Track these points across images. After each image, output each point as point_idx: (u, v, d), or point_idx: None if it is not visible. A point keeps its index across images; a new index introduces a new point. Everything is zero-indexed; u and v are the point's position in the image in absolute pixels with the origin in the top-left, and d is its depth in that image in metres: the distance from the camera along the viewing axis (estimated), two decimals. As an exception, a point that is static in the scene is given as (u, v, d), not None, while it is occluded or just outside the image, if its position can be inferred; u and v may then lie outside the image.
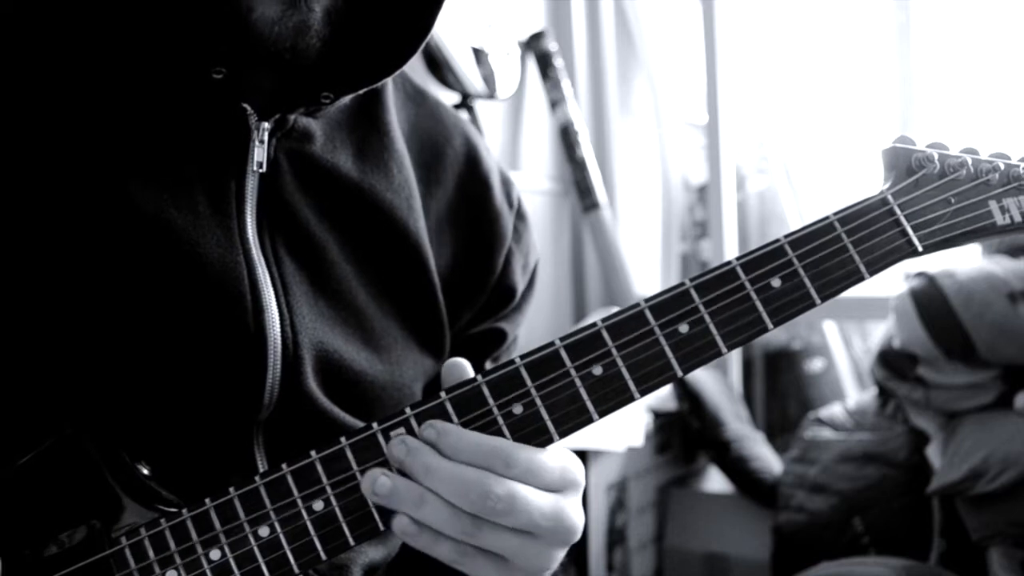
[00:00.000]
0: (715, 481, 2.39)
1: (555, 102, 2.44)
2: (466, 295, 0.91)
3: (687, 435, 2.38)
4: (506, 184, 0.96)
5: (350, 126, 0.84)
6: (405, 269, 0.86)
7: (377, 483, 0.66)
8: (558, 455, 0.70)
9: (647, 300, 0.71)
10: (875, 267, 0.72)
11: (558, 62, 2.44)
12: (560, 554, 0.71)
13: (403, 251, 0.85)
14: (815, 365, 2.68)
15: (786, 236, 0.72)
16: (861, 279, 0.72)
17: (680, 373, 0.70)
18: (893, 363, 2.01)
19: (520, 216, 0.96)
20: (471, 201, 0.92)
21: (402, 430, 0.68)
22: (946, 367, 1.93)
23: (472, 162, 0.94)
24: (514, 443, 0.68)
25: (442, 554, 0.67)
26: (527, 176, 2.43)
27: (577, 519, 0.70)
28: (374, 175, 0.84)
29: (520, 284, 0.96)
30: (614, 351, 0.70)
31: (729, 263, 0.71)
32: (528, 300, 0.99)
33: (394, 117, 0.88)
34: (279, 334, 0.76)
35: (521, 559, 0.68)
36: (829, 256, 0.72)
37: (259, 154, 0.77)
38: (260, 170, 0.77)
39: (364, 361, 0.82)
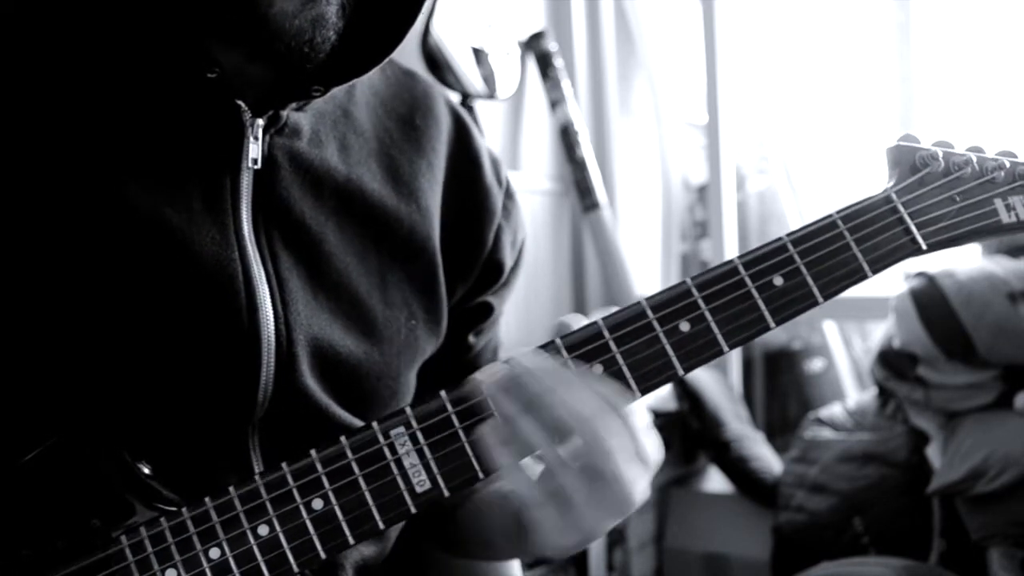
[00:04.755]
0: (715, 481, 2.39)
1: (555, 102, 2.44)
2: (459, 270, 0.92)
3: (687, 435, 2.38)
4: (495, 163, 0.97)
5: (332, 121, 0.84)
6: (402, 257, 0.86)
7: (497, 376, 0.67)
8: (652, 433, 0.70)
9: (648, 298, 0.71)
10: (878, 265, 0.72)
11: (558, 62, 2.44)
12: (610, 525, 0.71)
13: (398, 240, 0.86)
14: (815, 365, 2.68)
15: (788, 234, 0.72)
16: (864, 278, 0.72)
17: (681, 372, 0.70)
18: (893, 363, 2.01)
19: (509, 195, 0.97)
20: (462, 177, 0.93)
21: (401, 428, 0.68)
22: (946, 367, 1.92)
23: (462, 140, 0.95)
24: (630, 397, 0.69)
25: (519, 483, 0.67)
26: (527, 176, 2.42)
27: (643, 496, 0.70)
28: (359, 167, 0.85)
29: (508, 260, 0.97)
30: (615, 350, 0.70)
31: (731, 261, 0.71)
32: (515, 276, 1.00)
33: (365, 112, 0.88)
34: (273, 331, 0.76)
35: (584, 515, 0.68)
36: (832, 254, 0.71)
37: (254, 150, 0.77)
38: (255, 166, 0.77)
39: (362, 353, 0.82)
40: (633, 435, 0.68)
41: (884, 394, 2.10)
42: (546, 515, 0.68)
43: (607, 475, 0.66)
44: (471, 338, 0.97)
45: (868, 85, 2.60)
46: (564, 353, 0.69)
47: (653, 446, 0.70)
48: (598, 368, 0.69)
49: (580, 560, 2.07)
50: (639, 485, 0.68)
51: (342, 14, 0.74)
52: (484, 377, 0.70)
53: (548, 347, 0.70)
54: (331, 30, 0.74)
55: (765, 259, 0.71)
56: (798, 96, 2.72)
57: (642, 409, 0.69)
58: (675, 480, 2.39)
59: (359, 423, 0.81)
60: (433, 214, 0.89)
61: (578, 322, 0.72)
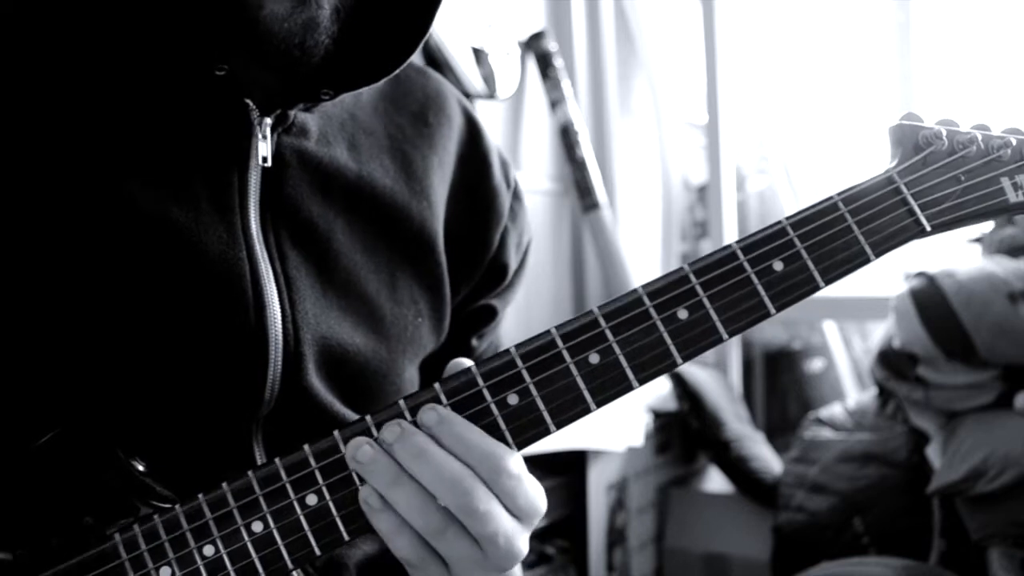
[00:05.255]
0: (715, 481, 2.38)
1: (555, 102, 2.44)
2: (464, 270, 0.92)
3: (687, 435, 2.38)
4: (504, 164, 0.97)
5: (340, 123, 0.84)
6: (412, 254, 0.86)
7: (360, 450, 0.66)
8: (534, 484, 0.69)
9: (645, 286, 0.69)
10: (881, 248, 0.70)
11: (558, 62, 2.44)
12: None
13: (408, 236, 0.86)
14: (815, 365, 2.68)
15: (788, 218, 0.70)
16: (867, 261, 0.70)
17: (680, 361, 0.68)
18: (893, 363, 2.00)
19: (517, 197, 0.97)
20: (470, 177, 0.93)
21: (396, 421, 0.68)
22: (946, 367, 1.92)
23: (473, 140, 0.95)
24: (507, 451, 0.67)
25: (400, 547, 0.66)
26: (527, 176, 2.42)
27: (523, 551, 0.69)
28: (371, 164, 0.85)
29: (513, 263, 0.96)
30: (611, 338, 0.68)
31: (729, 247, 0.70)
32: (519, 279, 0.99)
33: (373, 114, 0.88)
34: (280, 330, 0.76)
35: (464, 572, 0.68)
36: (833, 237, 0.69)
37: (263, 149, 0.77)
38: (264, 164, 0.77)
39: (370, 351, 0.82)
40: (506, 492, 0.67)
41: (884, 394, 2.10)
42: (430, 572, 0.68)
43: (481, 537, 0.66)
44: (474, 341, 0.96)
45: (868, 85, 2.60)
46: (559, 342, 0.68)
47: (531, 497, 0.68)
48: (595, 358, 0.68)
49: (580, 560, 2.07)
50: (517, 541, 0.68)
51: (336, 18, 0.74)
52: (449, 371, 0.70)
53: (543, 336, 0.69)
54: (323, 34, 0.73)
55: (764, 243, 0.70)
56: (798, 96, 2.72)
57: (517, 458, 0.68)
58: (675, 480, 2.39)
59: None
60: (440, 211, 0.89)
61: (464, 366, 0.70)
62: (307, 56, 0.74)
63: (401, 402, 0.68)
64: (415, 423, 0.67)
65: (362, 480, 0.67)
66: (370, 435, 0.67)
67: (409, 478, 0.66)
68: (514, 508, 0.67)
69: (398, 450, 0.66)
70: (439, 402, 0.68)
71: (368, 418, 0.68)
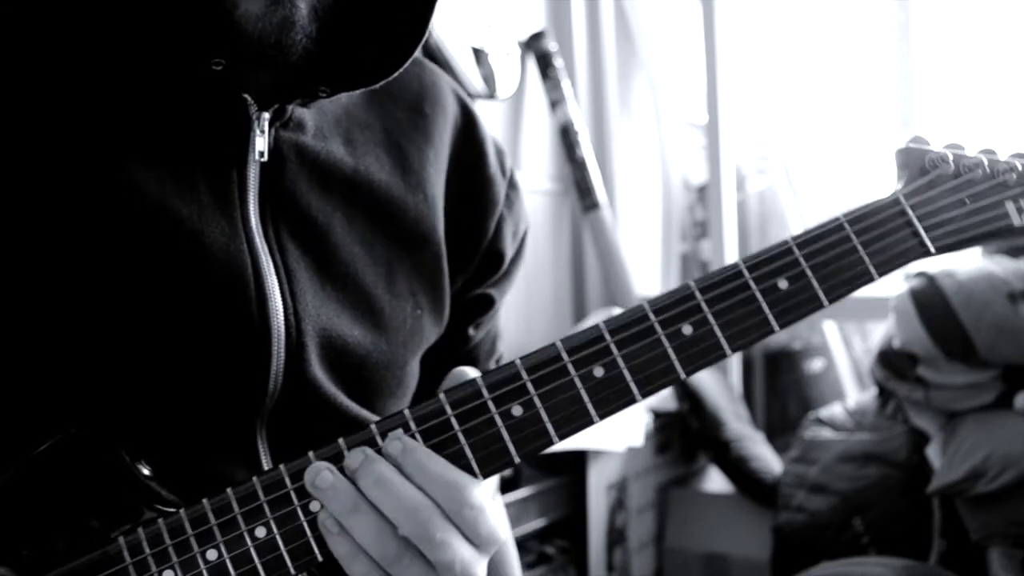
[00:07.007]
0: (715, 481, 2.39)
1: (555, 102, 2.44)
2: (460, 259, 0.92)
3: (687, 435, 2.38)
4: (499, 153, 0.97)
5: (335, 118, 0.85)
6: (409, 247, 0.87)
7: (320, 476, 0.66)
8: (496, 512, 0.70)
9: (650, 301, 0.70)
10: (885, 268, 0.71)
11: (558, 62, 2.44)
12: None
13: (405, 229, 0.86)
14: (815, 365, 2.68)
15: (794, 238, 0.71)
16: (870, 280, 0.71)
17: (683, 375, 0.69)
18: (893, 363, 2.01)
19: (512, 185, 0.97)
20: (465, 167, 0.93)
21: (400, 431, 0.68)
22: (946, 367, 1.92)
23: (468, 129, 0.95)
24: (470, 481, 0.67)
25: (356, 572, 0.67)
26: (527, 176, 2.42)
27: None
28: (367, 158, 0.85)
29: (509, 251, 0.97)
30: (616, 352, 0.69)
31: (735, 264, 0.71)
32: (516, 268, 0.99)
33: (368, 107, 0.88)
34: (283, 323, 0.77)
35: None
36: (837, 257, 0.71)
37: (260, 143, 0.77)
38: (262, 159, 0.77)
39: (370, 343, 0.82)
40: (467, 523, 0.67)
41: (884, 394, 2.10)
42: None
43: (438, 564, 0.66)
44: (471, 331, 0.97)
45: (868, 85, 2.60)
46: (564, 355, 0.69)
47: (491, 527, 0.69)
48: (599, 371, 0.69)
49: (580, 560, 2.08)
50: (473, 568, 0.68)
51: (314, 18, 0.75)
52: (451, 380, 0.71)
53: (548, 349, 0.69)
54: (300, 33, 0.74)
55: (769, 262, 0.70)
56: (798, 96, 2.72)
57: (481, 488, 0.68)
58: (675, 480, 2.39)
59: (365, 413, 0.82)
60: (438, 203, 0.89)
61: (467, 375, 0.71)
62: (283, 55, 0.74)
63: (407, 412, 0.69)
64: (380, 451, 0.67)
65: None
66: (374, 444, 0.68)
67: (368, 506, 0.66)
68: (474, 537, 0.68)
69: (360, 477, 0.66)
70: (443, 412, 0.68)
71: (373, 426, 0.68)
